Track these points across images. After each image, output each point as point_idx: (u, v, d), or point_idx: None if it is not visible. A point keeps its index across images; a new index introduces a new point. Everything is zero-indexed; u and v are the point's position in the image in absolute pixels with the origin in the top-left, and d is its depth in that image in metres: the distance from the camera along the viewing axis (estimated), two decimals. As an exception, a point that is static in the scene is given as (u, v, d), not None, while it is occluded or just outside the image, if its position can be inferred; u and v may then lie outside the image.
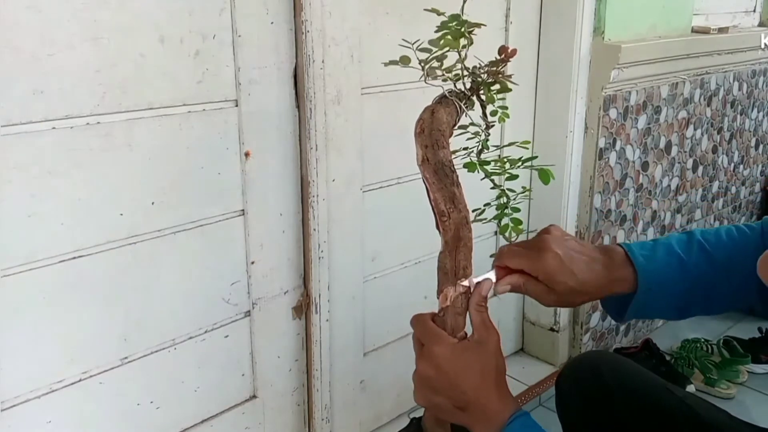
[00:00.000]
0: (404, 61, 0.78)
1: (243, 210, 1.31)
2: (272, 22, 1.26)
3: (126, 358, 1.22)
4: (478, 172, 0.84)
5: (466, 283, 0.78)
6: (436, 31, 0.77)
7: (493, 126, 0.83)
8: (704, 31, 2.13)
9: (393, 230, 1.61)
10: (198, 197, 1.25)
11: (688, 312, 0.91)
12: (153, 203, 1.19)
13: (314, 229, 1.39)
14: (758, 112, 2.63)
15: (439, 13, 0.77)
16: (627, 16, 1.87)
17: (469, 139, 0.84)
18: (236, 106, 1.25)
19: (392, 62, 0.79)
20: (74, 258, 1.11)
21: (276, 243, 1.37)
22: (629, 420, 1.05)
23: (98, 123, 1.09)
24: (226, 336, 1.36)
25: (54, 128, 1.05)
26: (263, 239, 1.35)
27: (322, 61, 1.31)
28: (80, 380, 1.17)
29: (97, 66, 1.07)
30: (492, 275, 0.84)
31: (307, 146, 1.34)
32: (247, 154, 1.28)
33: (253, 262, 1.35)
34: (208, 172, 1.25)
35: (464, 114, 0.80)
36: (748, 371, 2.12)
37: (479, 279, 0.81)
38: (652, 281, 0.86)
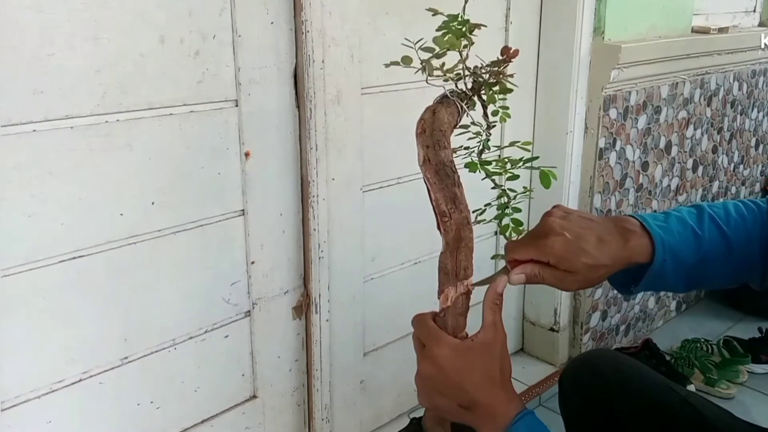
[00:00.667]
0: (406, 61, 0.78)
1: (243, 210, 1.31)
2: (272, 22, 1.26)
3: (126, 358, 1.22)
4: (479, 172, 0.84)
5: (466, 283, 0.78)
6: (438, 31, 0.77)
7: (494, 126, 0.83)
8: (704, 31, 2.13)
9: (393, 230, 1.61)
10: (198, 197, 1.25)
11: (695, 285, 0.90)
12: (153, 203, 1.19)
13: (314, 229, 1.39)
14: (758, 112, 2.63)
15: (436, 13, 0.77)
16: (627, 16, 1.86)
17: (470, 139, 0.84)
18: (236, 106, 1.25)
19: (393, 63, 0.79)
20: (74, 258, 1.11)
21: (276, 243, 1.37)
22: (632, 418, 1.04)
23: (98, 123, 1.09)
24: (226, 336, 1.36)
25: (54, 128, 1.05)
26: (263, 239, 1.35)
27: (322, 61, 1.31)
28: (80, 380, 1.17)
29: (97, 66, 1.07)
30: (506, 270, 0.84)
31: (307, 146, 1.34)
32: (247, 154, 1.28)
33: (253, 262, 1.35)
34: (208, 172, 1.25)
35: (465, 114, 0.80)
36: (748, 371, 2.12)
37: (490, 276, 0.81)
38: (668, 252, 0.84)
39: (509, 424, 0.75)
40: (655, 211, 2.17)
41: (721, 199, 2.56)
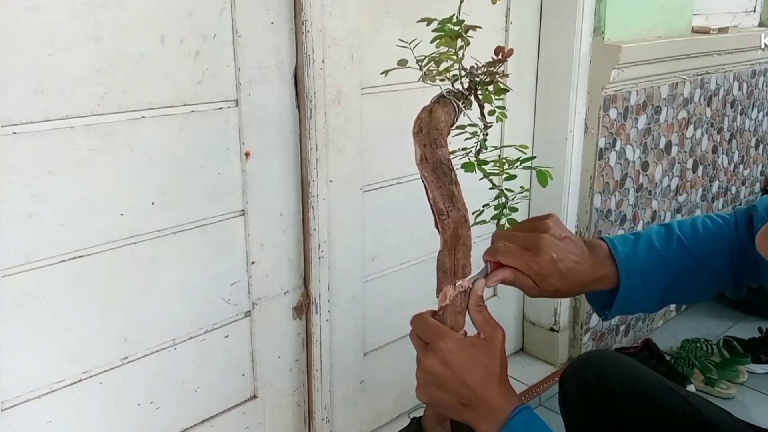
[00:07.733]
0: (401, 63, 0.79)
1: (243, 210, 1.31)
2: (272, 22, 1.26)
3: (126, 358, 1.22)
4: (477, 172, 0.84)
5: (463, 283, 0.78)
6: (434, 32, 0.77)
7: (491, 126, 0.84)
8: (704, 31, 2.13)
9: (393, 230, 1.61)
10: (198, 197, 1.25)
11: (667, 303, 0.94)
12: (153, 203, 1.19)
13: (314, 229, 1.39)
14: (758, 112, 2.63)
15: (429, 22, 0.77)
16: (627, 16, 1.87)
17: (467, 139, 0.84)
18: (236, 106, 1.26)
19: (389, 70, 0.80)
20: (74, 258, 1.11)
21: (276, 243, 1.37)
22: (632, 418, 1.05)
23: (98, 123, 1.09)
24: (227, 336, 1.36)
25: (54, 128, 1.05)
26: (263, 239, 1.35)
27: (322, 61, 1.31)
28: (80, 380, 1.17)
29: (97, 66, 1.07)
30: (484, 271, 0.84)
31: (307, 146, 1.34)
32: (247, 154, 1.28)
33: (253, 262, 1.35)
34: (209, 172, 1.25)
35: (462, 113, 0.80)
36: (748, 371, 2.12)
37: (472, 277, 0.81)
38: (634, 278, 0.88)
39: (507, 420, 0.75)
40: (654, 212, 2.18)
41: (721, 200, 2.56)
